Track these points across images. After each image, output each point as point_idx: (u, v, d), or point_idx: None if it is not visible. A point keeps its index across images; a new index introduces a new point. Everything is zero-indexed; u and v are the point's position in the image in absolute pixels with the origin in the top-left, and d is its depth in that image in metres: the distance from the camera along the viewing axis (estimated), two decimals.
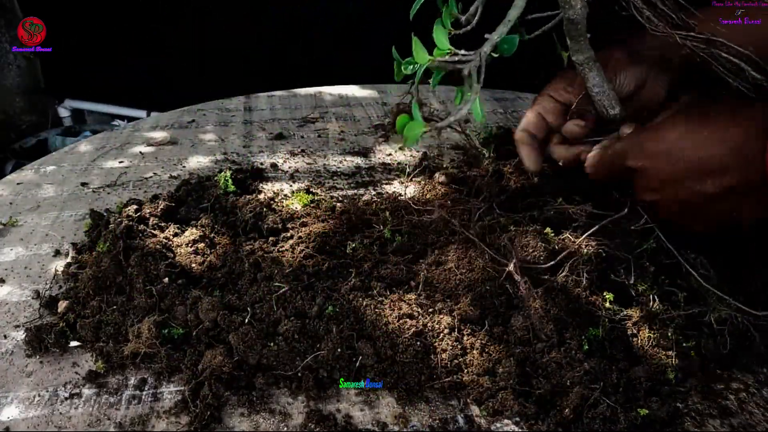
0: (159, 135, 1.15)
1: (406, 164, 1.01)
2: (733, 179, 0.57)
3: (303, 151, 1.08)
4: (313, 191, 0.91)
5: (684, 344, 0.60)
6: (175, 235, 0.77)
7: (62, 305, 0.67)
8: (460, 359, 0.60)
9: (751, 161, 0.54)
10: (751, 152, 0.54)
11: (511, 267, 0.63)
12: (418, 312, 0.64)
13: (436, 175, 0.91)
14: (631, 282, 0.65)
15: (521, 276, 0.63)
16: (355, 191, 0.93)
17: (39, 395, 0.58)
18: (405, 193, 0.89)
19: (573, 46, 0.64)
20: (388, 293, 0.66)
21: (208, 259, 0.72)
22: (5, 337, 0.65)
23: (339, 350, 0.59)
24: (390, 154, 1.06)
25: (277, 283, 0.66)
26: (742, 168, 0.56)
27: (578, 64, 0.67)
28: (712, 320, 0.61)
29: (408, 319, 0.63)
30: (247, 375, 0.59)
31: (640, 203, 0.66)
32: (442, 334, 0.62)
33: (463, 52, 0.49)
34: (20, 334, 0.65)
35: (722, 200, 0.59)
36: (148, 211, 0.81)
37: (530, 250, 0.68)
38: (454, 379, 0.58)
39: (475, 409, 0.56)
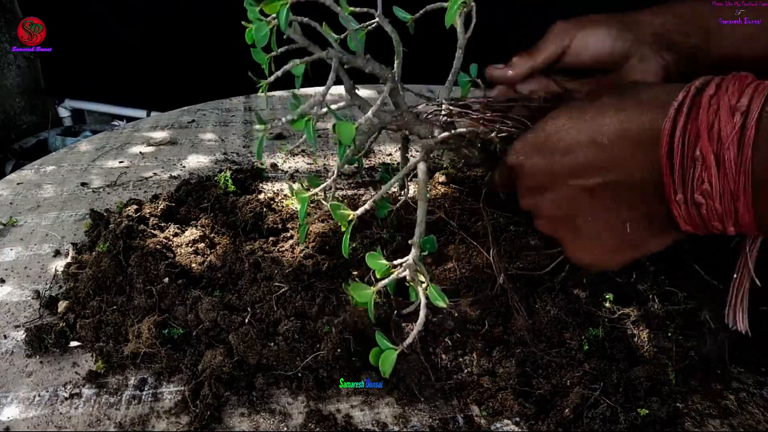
0: (159, 135, 1.15)
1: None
2: (613, 176, 0.45)
3: (303, 151, 1.08)
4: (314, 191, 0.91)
5: (684, 344, 0.60)
6: (175, 235, 0.77)
7: (62, 305, 0.67)
8: (460, 359, 0.60)
9: (635, 153, 0.43)
10: (636, 140, 0.43)
11: (500, 280, 0.63)
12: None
13: (436, 175, 0.91)
14: (631, 282, 0.65)
15: (508, 285, 0.63)
16: (355, 191, 0.93)
17: (39, 395, 0.58)
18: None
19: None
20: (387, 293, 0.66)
21: (208, 259, 0.72)
22: (5, 337, 0.65)
23: (339, 350, 0.59)
24: (390, 154, 1.06)
25: (277, 283, 0.66)
26: (625, 162, 0.44)
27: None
28: (708, 318, 0.61)
29: (408, 319, 0.63)
30: (247, 375, 0.59)
31: (524, 214, 0.57)
32: (442, 335, 0.62)
33: (398, 262, 0.52)
34: (20, 334, 0.65)
35: (607, 210, 0.48)
36: (148, 211, 0.81)
37: (530, 251, 0.68)
38: (455, 380, 0.58)
39: (475, 409, 0.56)
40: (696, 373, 0.59)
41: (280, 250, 0.74)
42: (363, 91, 1.40)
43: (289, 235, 0.78)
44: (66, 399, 0.57)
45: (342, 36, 0.61)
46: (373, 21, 0.63)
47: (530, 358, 0.59)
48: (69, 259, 0.76)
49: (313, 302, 0.64)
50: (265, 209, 0.82)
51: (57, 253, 0.78)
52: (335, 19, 0.58)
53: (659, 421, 0.54)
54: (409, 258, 0.52)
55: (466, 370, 0.59)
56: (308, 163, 1.03)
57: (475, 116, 0.60)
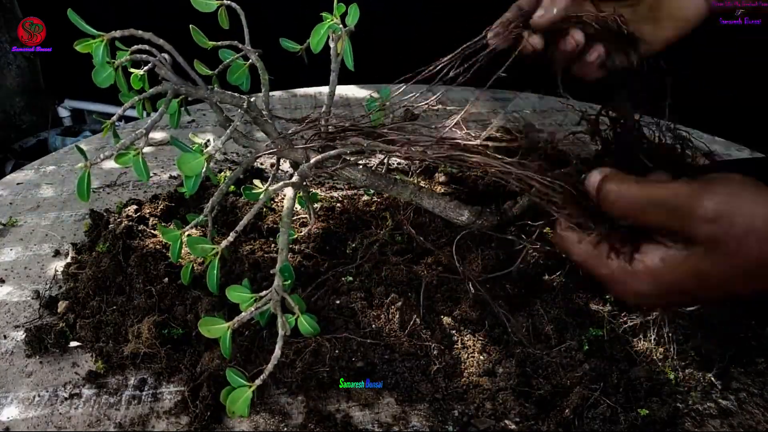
0: (158, 135, 1.14)
1: (406, 164, 1.01)
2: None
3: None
4: (313, 191, 0.91)
5: (684, 344, 0.60)
6: None
7: (62, 305, 0.67)
8: (461, 360, 0.60)
9: None
10: None
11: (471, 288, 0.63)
12: (419, 312, 0.64)
13: (436, 175, 0.91)
14: None
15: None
16: (355, 191, 0.92)
17: (39, 395, 0.58)
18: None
19: (391, 193, 0.65)
20: (389, 293, 0.66)
21: None
22: (5, 337, 0.65)
23: (338, 351, 0.59)
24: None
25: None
26: None
27: (409, 200, 0.64)
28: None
29: (408, 320, 0.63)
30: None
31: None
32: (442, 335, 0.62)
33: (263, 295, 0.52)
34: (20, 335, 0.65)
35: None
36: (148, 211, 0.81)
37: (530, 251, 0.68)
38: (454, 380, 0.58)
39: (475, 410, 0.56)
40: (696, 373, 0.59)
41: None
42: (363, 91, 1.40)
43: None
44: (66, 399, 0.57)
45: (216, 71, 0.63)
46: (238, 55, 0.64)
47: (530, 358, 0.59)
48: (69, 260, 0.76)
49: (313, 302, 0.64)
50: (265, 209, 0.82)
51: (57, 254, 0.78)
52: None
53: (659, 421, 0.54)
54: (272, 289, 0.51)
55: (466, 371, 0.59)
56: None
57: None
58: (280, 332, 0.50)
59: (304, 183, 0.59)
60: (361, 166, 0.60)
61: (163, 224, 0.77)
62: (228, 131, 0.53)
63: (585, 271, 0.47)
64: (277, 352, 0.48)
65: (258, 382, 0.48)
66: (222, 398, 0.48)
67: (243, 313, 0.50)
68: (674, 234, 0.40)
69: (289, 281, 0.53)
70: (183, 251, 0.74)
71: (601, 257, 0.44)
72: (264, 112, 0.59)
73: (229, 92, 0.56)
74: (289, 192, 0.54)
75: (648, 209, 0.41)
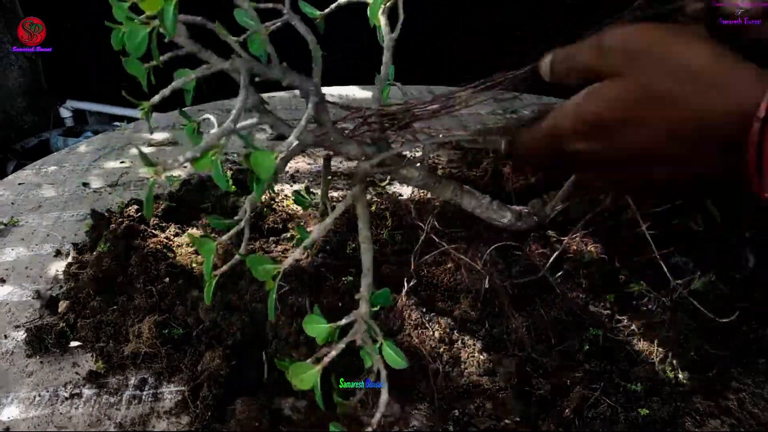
0: (159, 135, 1.15)
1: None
2: (691, 169, 0.43)
3: (303, 151, 1.08)
4: (314, 191, 0.91)
5: (684, 344, 0.60)
6: (176, 235, 0.77)
7: (63, 305, 0.67)
8: (461, 360, 0.60)
9: (715, 150, 0.41)
10: (716, 137, 0.41)
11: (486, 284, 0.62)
12: (419, 312, 0.64)
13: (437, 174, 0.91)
14: (632, 283, 0.65)
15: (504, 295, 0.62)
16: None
17: (39, 395, 0.58)
18: (405, 194, 0.89)
19: (434, 192, 0.59)
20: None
21: None
22: (6, 337, 0.65)
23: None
24: None
25: (278, 283, 0.66)
26: (703, 158, 0.42)
27: (449, 200, 0.60)
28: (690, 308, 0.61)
29: (408, 320, 0.63)
30: (246, 376, 0.59)
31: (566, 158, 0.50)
32: (442, 335, 0.62)
33: (344, 321, 0.43)
34: (21, 335, 0.65)
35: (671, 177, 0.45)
36: None
37: (531, 252, 0.68)
38: (455, 380, 0.58)
39: (475, 410, 0.56)
40: (696, 373, 0.59)
41: (281, 250, 0.74)
42: (363, 91, 1.40)
43: (289, 235, 0.78)
44: (66, 399, 0.58)
45: (242, 38, 0.50)
46: (279, 20, 0.52)
47: (530, 358, 0.59)
48: (70, 260, 0.76)
49: (313, 302, 0.64)
50: (265, 209, 0.82)
51: (58, 254, 0.78)
52: (229, 17, 0.46)
53: (659, 421, 0.54)
54: (358, 316, 0.42)
55: (466, 371, 0.59)
56: (308, 163, 1.03)
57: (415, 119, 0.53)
58: (381, 370, 0.42)
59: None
60: (419, 164, 0.56)
61: (185, 228, 0.74)
62: (303, 121, 0.43)
63: (539, 149, 0.50)
64: (384, 396, 0.42)
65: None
66: None
67: (332, 352, 0.42)
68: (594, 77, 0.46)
69: (377, 308, 0.46)
70: (185, 250, 0.74)
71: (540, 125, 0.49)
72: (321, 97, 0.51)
73: (299, 74, 0.48)
74: (359, 199, 0.46)
75: (575, 57, 0.47)
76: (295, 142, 0.42)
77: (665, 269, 0.60)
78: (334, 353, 0.41)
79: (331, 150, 0.52)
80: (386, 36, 0.53)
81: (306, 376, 0.41)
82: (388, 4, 0.52)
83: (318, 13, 0.54)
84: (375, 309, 0.44)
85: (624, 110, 0.43)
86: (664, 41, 0.43)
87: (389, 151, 0.52)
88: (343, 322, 0.43)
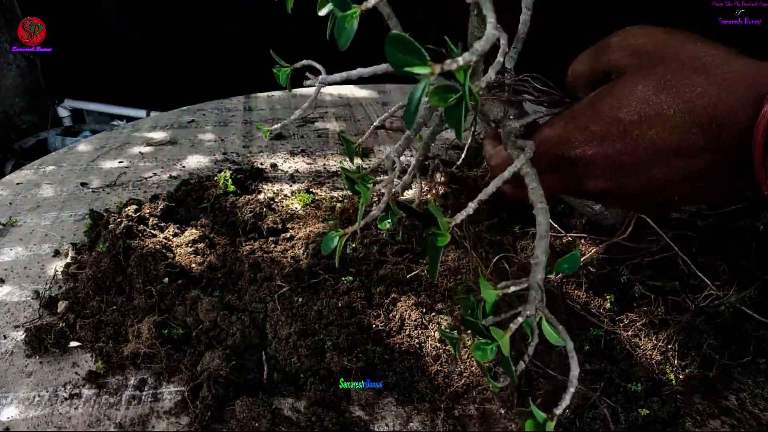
0: (158, 135, 1.14)
1: (406, 165, 1.01)
2: (707, 161, 0.43)
3: (303, 151, 1.08)
4: (313, 191, 0.91)
5: (684, 344, 0.60)
6: (175, 235, 0.77)
7: (62, 305, 0.67)
8: (461, 359, 0.60)
9: (730, 139, 0.41)
10: (731, 125, 0.40)
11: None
12: (419, 312, 0.64)
13: (437, 174, 0.91)
14: (632, 283, 0.65)
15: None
16: None
17: (39, 395, 0.58)
18: (405, 194, 0.89)
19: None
20: (389, 293, 0.66)
21: (208, 259, 0.72)
22: (5, 337, 0.65)
23: (338, 350, 0.59)
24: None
25: (278, 283, 0.66)
26: (719, 147, 0.42)
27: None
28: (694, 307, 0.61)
29: (408, 320, 0.63)
30: (246, 376, 0.58)
31: (582, 192, 0.50)
32: (442, 335, 0.62)
33: (512, 289, 0.39)
34: (20, 335, 0.65)
35: (688, 183, 0.45)
36: (148, 211, 0.81)
37: (530, 252, 0.68)
38: (455, 380, 0.58)
39: (475, 410, 0.56)
40: (696, 373, 0.59)
41: (280, 250, 0.74)
42: (363, 91, 1.40)
43: (288, 235, 0.78)
44: (66, 399, 0.57)
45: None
46: None
47: (530, 359, 0.59)
48: (69, 259, 0.76)
49: (313, 302, 0.64)
50: (264, 209, 0.82)
51: (57, 253, 0.78)
52: None
53: (660, 421, 0.54)
54: (533, 283, 0.39)
55: (466, 371, 0.59)
56: (308, 163, 1.03)
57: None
58: (568, 346, 0.40)
59: None
60: None
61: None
62: (500, 57, 0.36)
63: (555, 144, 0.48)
64: (574, 368, 0.39)
65: (559, 411, 0.38)
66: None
67: (518, 318, 0.38)
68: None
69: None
70: (185, 251, 0.74)
71: (550, 123, 0.48)
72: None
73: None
74: (526, 159, 0.42)
75: (582, 61, 0.49)
76: (493, 76, 0.37)
77: (700, 275, 0.59)
78: (520, 320, 0.38)
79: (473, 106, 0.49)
80: None
81: (504, 340, 0.38)
82: None
83: None
84: (550, 275, 0.40)
85: (639, 105, 0.43)
86: (670, 39, 0.43)
87: (533, 116, 0.49)
88: (512, 289, 0.39)
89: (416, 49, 0.31)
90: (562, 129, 0.47)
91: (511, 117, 0.49)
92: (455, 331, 0.41)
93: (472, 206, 0.41)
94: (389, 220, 0.46)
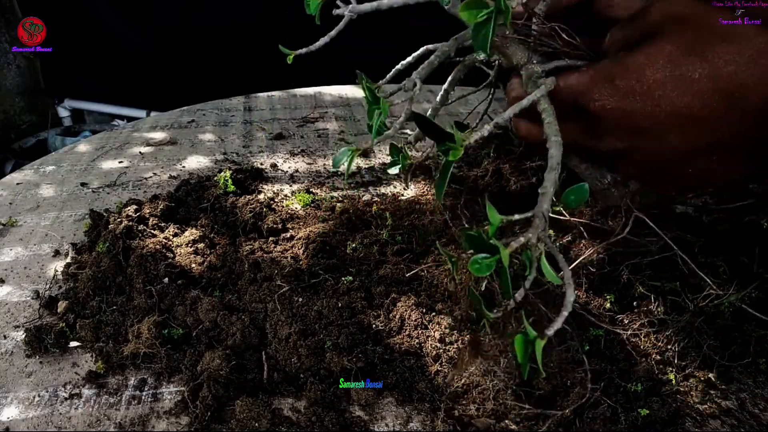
0: (158, 135, 1.14)
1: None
2: (723, 133, 0.43)
3: (303, 151, 1.08)
4: (313, 191, 0.91)
5: (684, 344, 0.60)
6: (175, 235, 0.77)
7: (62, 305, 0.67)
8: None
9: (752, 111, 0.41)
10: (754, 96, 0.41)
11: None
12: (419, 312, 0.64)
13: (435, 174, 0.91)
14: (632, 283, 0.65)
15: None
16: (355, 191, 0.92)
17: (39, 395, 0.58)
18: (405, 194, 0.89)
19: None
20: (389, 293, 0.66)
21: (208, 259, 0.72)
22: (5, 337, 0.65)
23: (338, 350, 0.59)
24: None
25: (278, 283, 0.66)
26: (738, 119, 0.42)
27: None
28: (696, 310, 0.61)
29: (408, 320, 0.63)
30: (246, 376, 0.58)
31: (596, 150, 0.49)
32: (442, 335, 0.62)
33: (517, 216, 0.39)
34: (20, 335, 0.64)
35: (702, 157, 0.46)
36: (148, 211, 0.81)
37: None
38: (455, 380, 0.58)
39: (475, 410, 0.56)
40: (696, 373, 0.59)
41: (280, 250, 0.74)
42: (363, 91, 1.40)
43: (288, 235, 0.78)
44: (66, 399, 0.57)
45: None
46: None
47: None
48: (68, 260, 0.76)
49: (313, 302, 0.64)
50: (264, 209, 0.82)
51: (56, 254, 0.78)
52: None
53: (659, 421, 0.54)
54: (539, 212, 0.39)
55: (466, 371, 0.59)
56: (308, 163, 1.03)
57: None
58: (566, 277, 0.39)
59: None
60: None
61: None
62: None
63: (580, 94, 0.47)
64: (570, 295, 0.38)
65: (550, 332, 0.36)
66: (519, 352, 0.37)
67: (520, 238, 0.38)
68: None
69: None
70: (185, 251, 0.73)
71: (578, 70, 0.47)
72: None
73: None
74: (543, 93, 0.43)
75: (624, 25, 0.48)
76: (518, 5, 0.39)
77: (700, 273, 0.59)
78: (522, 240, 0.38)
79: (497, 48, 0.49)
80: None
81: (504, 252, 0.37)
82: None
83: None
84: (556, 207, 0.39)
85: (666, 66, 0.43)
86: (710, 8, 0.43)
87: (559, 61, 0.49)
88: (516, 217, 0.39)
89: None
90: (587, 79, 0.46)
91: (534, 62, 0.49)
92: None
93: (487, 128, 0.41)
94: (400, 165, 0.47)
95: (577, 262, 0.65)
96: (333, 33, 0.49)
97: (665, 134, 0.45)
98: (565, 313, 0.37)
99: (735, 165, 0.46)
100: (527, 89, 0.46)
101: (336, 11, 0.48)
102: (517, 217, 0.39)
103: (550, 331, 0.36)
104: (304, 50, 0.46)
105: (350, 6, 0.48)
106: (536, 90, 0.43)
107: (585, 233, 0.69)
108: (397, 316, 0.64)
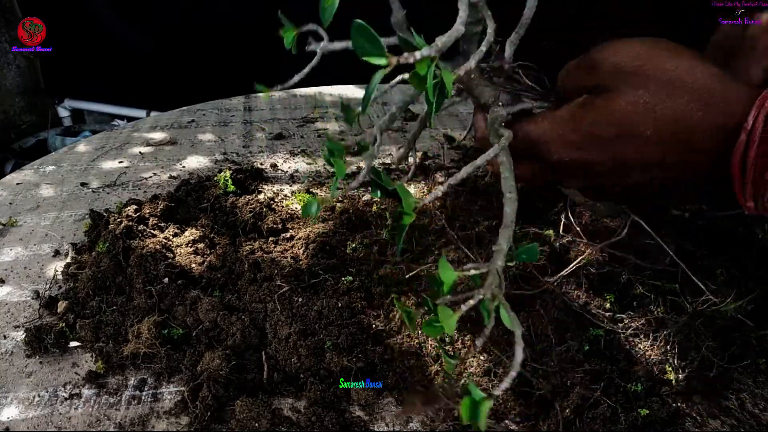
0: (158, 135, 1.14)
1: (406, 164, 1.01)
2: (686, 174, 0.44)
3: (303, 151, 1.08)
4: (313, 191, 0.91)
5: (684, 344, 0.60)
6: (175, 235, 0.77)
7: (62, 305, 0.67)
8: (461, 360, 0.60)
9: (707, 161, 0.42)
10: (708, 150, 0.42)
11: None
12: (419, 312, 0.64)
13: (437, 175, 0.91)
14: (632, 283, 0.65)
15: None
16: (355, 191, 0.92)
17: (39, 395, 0.58)
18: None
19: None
20: (389, 293, 0.66)
21: (208, 259, 0.72)
22: (5, 337, 0.65)
23: (338, 350, 0.59)
24: (390, 154, 1.06)
25: (278, 283, 0.66)
26: (696, 167, 0.43)
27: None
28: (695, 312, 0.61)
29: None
30: (246, 376, 0.58)
31: (553, 163, 0.49)
32: (442, 335, 0.62)
33: (473, 271, 0.41)
34: (20, 335, 0.64)
35: (667, 189, 0.47)
36: (148, 211, 0.81)
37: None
38: (454, 380, 0.58)
39: None
40: (696, 373, 0.59)
41: (280, 250, 0.74)
42: (363, 91, 1.40)
43: (288, 235, 0.78)
44: (66, 399, 0.57)
45: None
46: None
47: (530, 359, 0.59)
48: (68, 260, 0.76)
49: (313, 303, 0.64)
50: (264, 209, 0.82)
51: (56, 254, 0.78)
52: None
53: (659, 421, 0.54)
54: (492, 268, 0.40)
55: (466, 371, 0.59)
56: (308, 163, 1.03)
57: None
58: (516, 331, 0.40)
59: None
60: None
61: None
62: (483, 46, 0.40)
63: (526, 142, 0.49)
64: (518, 355, 0.39)
65: (498, 392, 0.38)
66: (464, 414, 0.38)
67: (470, 301, 0.39)
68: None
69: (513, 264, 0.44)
70: (184, 251, 0.74)
71: (535, 119, 0.49)
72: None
73: None
74: (502, 147, 0.43)
75: (569, 74, 0.49)
76: (473, 65, 0.41)
77: (699, 284, 0.60)
78: (471, 302, 0.40)
79: (466, 88, 0.51)
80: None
81: (451, 320, 0.39)
82: None
83: None
84: (510, 263, 0.42)
85: (618, 124, 0.44)
86: (654, 56, 0.44)
87: (525, 104, 0.50)
88: (472, 272, 0.41)
89: (375, 39, 0.32)
90: (542, 130, 0.48)
91: (501, 104, 0.50)
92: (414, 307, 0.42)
93: (441, 189, 0.43)
94: (378, 192, 0.49)
95: (576, 262, 0.65)
96: (306, 70, 0.50)
97: (625, 175, 0.46)
98: (513, 374, 0.38)
99: (703, 190, 0.47)
100: (490, 136, 0.48)
101: (309, 47, 0.49)
102: (472, 272, 0.40)
103: (498, 391, 0.37)
104: (278, 87, 0.46)
105: (321, 44, 0.49)
106: (493, 148, 0.44)
107: (585, 234, 0.69)
108: (397, 316, 0.64)
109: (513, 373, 0.38)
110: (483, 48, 0.40)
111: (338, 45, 0.47)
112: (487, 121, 0.49)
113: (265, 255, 0.72)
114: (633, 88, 0.44)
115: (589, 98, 0.46)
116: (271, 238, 0.77)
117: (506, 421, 0.55)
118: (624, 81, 0.44)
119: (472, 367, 0.59)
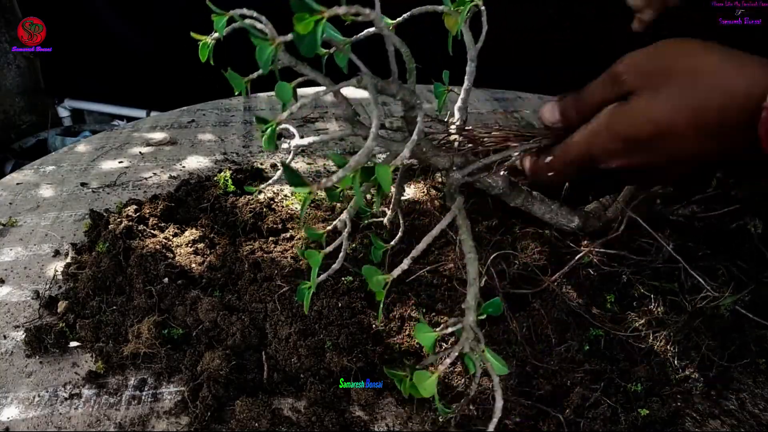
0: (158, 135, 1.14)
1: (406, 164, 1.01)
2: (722, 154, 0.47)
3: (303, 151, 1.08)
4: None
5: (684, 344, 0.60)
6: (175, 235, 0.77)
7: (62, 305, 0.67)
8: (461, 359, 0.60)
9: (742, 140, 0.44)
10: (738, 131, 0.44)
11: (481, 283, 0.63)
12: (419, 312, 0.64)
13: (437, 175, 0.91)
14: (632, 283, 0.65)
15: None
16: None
17: (39, 395, 0.58)
18: (405, 194, 0.89)
19: (508, 199, 0.63)
20: (389, 293, 0.66)
21: (208, 259, 0.72)
22: (5, 337, 0.65)
23: (338, 350, 0.59)
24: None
25: (278, 283, 0.66)
26: (731, 147, 0.46)
27: (520, 206, 0.64)
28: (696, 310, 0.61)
29: (408, 320, 0.63)
30: (246, 376, 0.58)
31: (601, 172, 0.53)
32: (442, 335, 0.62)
33: (450, 329, 0.44)
34: (20, 335, 0.64)
35: (706, 166, 0.51)
36: (148, 211, 0.81)
37: (530, 252, 0.68)
38: (455, 379, 0.58)
39: (475, 410, 0.56)
40: (696, 373, 0.59)
41: (280, 250, 0.74)
42: (363, 91, 1.40)
43: (288, 235, 0.78)
44: (66, 399, 0.57)
45: (330, 51, 0.53)
46: (366, 31, 0.53)
47: (530, 358, 0.59)
48: (68, 260, 0.76)
49: (312, 302, 0.64)
50: (264, 209, 0.82)
51: (56, 254, 0.78)
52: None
53: (659, 421, 0.54)
54: (466, 324, 0.43)
55: (466, 371, 0.59)
56: (308, 163, 1.03)
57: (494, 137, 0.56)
58: (493, 377, 0.43)
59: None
60: (503, 172, 0.59)
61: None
62: (414, 135, 0.43)
63: (565, 168, 0.54)
64: (499, 402, 0.42)
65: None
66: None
67: (446, 360, 0.43)
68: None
69: (484, 316, 0.46)
70: (184, 251, 0.74)
71: (568, 142, 0.52)
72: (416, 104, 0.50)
73: (408, 89, 0.50)
74: (460, 212, 0.47)
75: (588, 95, 0.51)
76: (407, 155, 0.43)
77: (699, 279, 0.60)
78: (448, 361, 0.43)
79: (422, 161, 0.54)
80: (470, 46, 0.54)
81: (428, 383, 0.42)
82: (470, 15, 0.54)
83: (390, 21, 0.55)
84: (482, 317, 0.45)
85: (652, 122, 0.46)
86: (670, 53, 0.47)
87: (477, 163, 0.54)
88: (449, 330, 0.44)
89: (298, 176, 0.40)
90: (578, 147, 0.51)
91: (455, 168, 0.54)
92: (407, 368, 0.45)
93: (407, 262, 0.47)
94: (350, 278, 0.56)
95: (576, 259, 0.65)
96: (290, 158, 0.50)
97: (669, 167, 0.50)
98: (495, 420, 0.41)
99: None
100: (448, 201, 0.50)
101: (282, 146, 0.54)
102: (450, 329, 0.44)
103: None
104: (252, 76, 0.50)
105: (292, 141, 0.59)
106: (448, 214, 0.47)
107: (585, 235, 0.69)
108: (397, 316, 0.64)
109: (495, 420, 0.42)
110: (414, 137, 0.43)
111: (305, 141, 0.54)
112: (446, 186, 0.52)
113: (265, 255, 0.72)
114: (658, 86, 0.46)
115: (618, 105, 0.48)
116: (271, 238, 0.77)
117: (506, 421, 0.55)
118: (648, 82, 0.46)
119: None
